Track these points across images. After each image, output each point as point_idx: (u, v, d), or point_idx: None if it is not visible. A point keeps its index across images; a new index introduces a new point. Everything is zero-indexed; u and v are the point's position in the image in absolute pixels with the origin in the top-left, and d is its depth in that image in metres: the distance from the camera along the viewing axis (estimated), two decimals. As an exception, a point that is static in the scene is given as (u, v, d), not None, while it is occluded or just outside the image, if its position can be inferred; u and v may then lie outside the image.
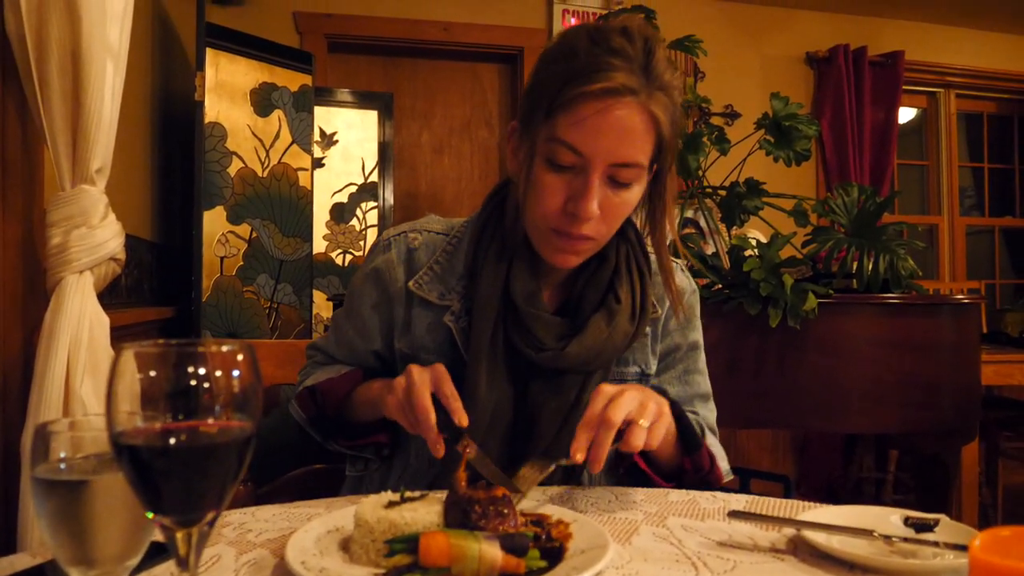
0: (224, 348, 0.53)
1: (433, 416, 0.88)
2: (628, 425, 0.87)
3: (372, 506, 0.77)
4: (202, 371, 0.52)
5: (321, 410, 1.10)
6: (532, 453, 1.04)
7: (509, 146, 1.09)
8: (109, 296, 1.46)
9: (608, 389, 0.89)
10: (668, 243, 1.09)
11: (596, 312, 1.06)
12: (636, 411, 0.87)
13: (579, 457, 0.85)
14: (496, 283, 1.04)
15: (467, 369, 1.03)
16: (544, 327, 1.03)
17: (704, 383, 1.21)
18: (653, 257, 1.15)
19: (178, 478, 0.51)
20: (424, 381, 0.90)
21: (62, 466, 0.60)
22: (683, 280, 1.19)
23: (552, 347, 1.03)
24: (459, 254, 1.11)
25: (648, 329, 1.14)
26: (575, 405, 1.05)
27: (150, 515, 0.52)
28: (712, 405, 1.21)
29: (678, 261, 1.21)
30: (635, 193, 1.00)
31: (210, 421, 0.52)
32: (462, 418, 0.88)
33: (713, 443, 1.12)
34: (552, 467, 0.89)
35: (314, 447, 1.39)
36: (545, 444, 1.04)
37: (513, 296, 1.03)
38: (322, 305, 3.33)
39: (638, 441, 0.86)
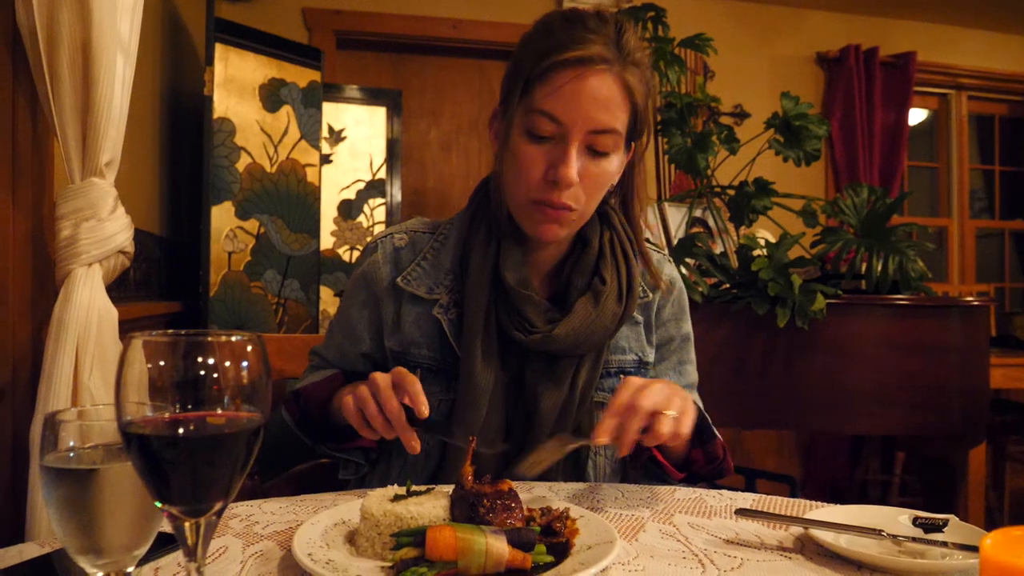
0: (234, 338, 0.53)
1: (402, 413, 0.89)
2: (655, 415, 0.87)
3: (378, 499, 0.77)
4: (211, 361, 0.52)
5: (304, 414, 1.12)
6: (535, 441, 1.04)
7: (491, 131, 1.12)
8: (117, 290, 1.46)
9: (636, 380, 0.90)
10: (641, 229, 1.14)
11: (582, 295, 1.08)
12: (663, 402, 0.88)
13: (602, 440, 0.86)
14: (485, 267, 1.06)
15: (461, 355, 1.05)
16: (534, 309, 1.05)
17: (693, 372, 1.24)
18: (655, 255, 1.19)
19: (186, 468, 0.51)
20: (387, 382, 0.91)
21: (71, 455, 0.60)
22: (672, 271, 1.22)
23: (541, 330, 1.04)
24: (446, 249, 1.13)
25: (641, 317, 1.16)
26: (571, 391, 1.07)
27: (159, 504, 0.52)
28: (696, 395, 1.23)
29: (661, 251, 1.24)
30: (613, 163, 1.03)
31: (219, 411, 0.52)
32: (422, 408, 0.88)
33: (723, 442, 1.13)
34: (574, 445, 0.90)
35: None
36: (545, 433, 1.05)
37: (504, 277, 1.05)
38: (329, 301, 3.34)
39: (666, 429, 0.87)
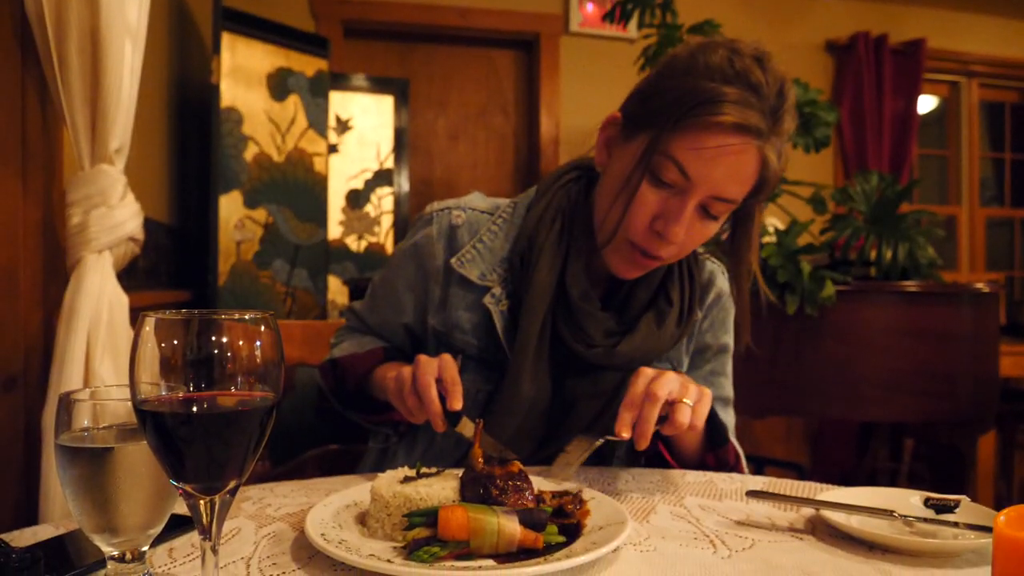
0: (247, 317, 0.53)
1: (435, 393, 0.90)
2: (672, 405, 0.86)
3: (388, 481, 0.77)
4: (225, 340, 0.52)
5: (340, 383, 1.11)
6: (574, 432, 1.03)
7: (602, 136, 1.05)
8: (126, 278, 1.47)
9: (648, 371, 0.88)
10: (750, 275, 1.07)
11: (646, 312, 1.05)
12: (678, 391, 0.87)
13: (625, 434, 0.85)
14: (552, 275, 1.02)
15: (512, 360, 1.02)
16: (595, 324, 1.03)
17: (728, 387, 1.20)
18: (709, 264, 1.16)
19: (201, 446, 0.52)
20: (432, 367, 0.91)
21: (85, 435, 0.61)
22: (723, 282, 1.18)
23: (602, 344, 1.02)
24: (503, 235, 1.09)
25: None
26: (612, 398, 1.05)
27: (174, 483, 0.53)
28: (732, 411, 1.20)
29: (716, 262, 1.19)
30: (717, 226, 0.99)
31: (232, 390, 0.52)
32: (455, 401, 0.89)
33: (738, 448, 1.12)
34: (599, 442, 0.89)
35: (330, 428, 1.40)
36: (579, 430, 1.04)
37: (568, 291, 1.02)
38: (337, 290, 3.34)
39: (684, 419, 0.85)
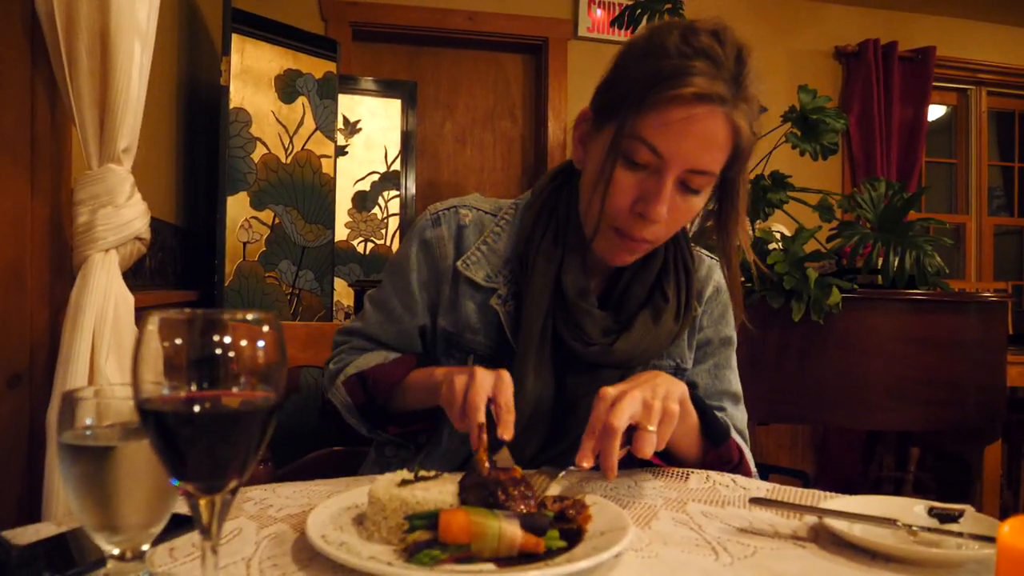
0: (249, 317, 0.53)
1: (483, 418, 0.85)
2: (636, 430, 0.85)
3: (385, 484, 0.76)
4: (228, 340, 0.52)
5: (371, 397, 1.07)
6: (579, 428, 1.03)
7: (576, 133, 1.07)
8: (133, 277, 1.48)
9: (610, 392, 0.86)
10: (738, 250, 1.06)
11: (643, 309, 1.05)
12: (641, 414, 0.85)
13: (586, 464, 0.83)
14: (548, 276, 1.03)
15: (515, 361, 1.02)
16: (592, 322, 1.03)
17: (735, 382, 1.19)
18: (707, 260, 1.16)
19: (202, 445, 0.51)
20: (486, 386, 0.87)
21: (88, 433, 0.61)
22: (721, 277, 1.17)
23: (599, 342, 1.02)
24: (505, 237, 1.10)
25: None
26: None
27: (175, 482, 0.53)
28: (743, 407, 1.18)
29: (715, 257, 1.18)
30: (701, 200, 0.99)
31: (235, 390, 0.52)
32: (506, 432, 0.85)
33: (741, 444, 1.10)
34: (561, 474, 0.88)
35: (334, 431, 1.38)
36: (578, 433, 1.03)
37: (564, 290, 1.03)
38: (343, 292, 3.35)
39: (648, 448, 0.84)
